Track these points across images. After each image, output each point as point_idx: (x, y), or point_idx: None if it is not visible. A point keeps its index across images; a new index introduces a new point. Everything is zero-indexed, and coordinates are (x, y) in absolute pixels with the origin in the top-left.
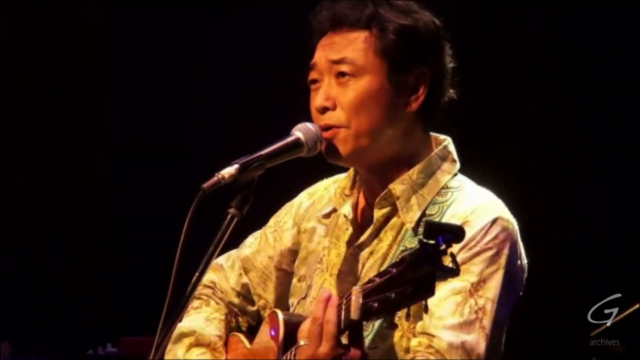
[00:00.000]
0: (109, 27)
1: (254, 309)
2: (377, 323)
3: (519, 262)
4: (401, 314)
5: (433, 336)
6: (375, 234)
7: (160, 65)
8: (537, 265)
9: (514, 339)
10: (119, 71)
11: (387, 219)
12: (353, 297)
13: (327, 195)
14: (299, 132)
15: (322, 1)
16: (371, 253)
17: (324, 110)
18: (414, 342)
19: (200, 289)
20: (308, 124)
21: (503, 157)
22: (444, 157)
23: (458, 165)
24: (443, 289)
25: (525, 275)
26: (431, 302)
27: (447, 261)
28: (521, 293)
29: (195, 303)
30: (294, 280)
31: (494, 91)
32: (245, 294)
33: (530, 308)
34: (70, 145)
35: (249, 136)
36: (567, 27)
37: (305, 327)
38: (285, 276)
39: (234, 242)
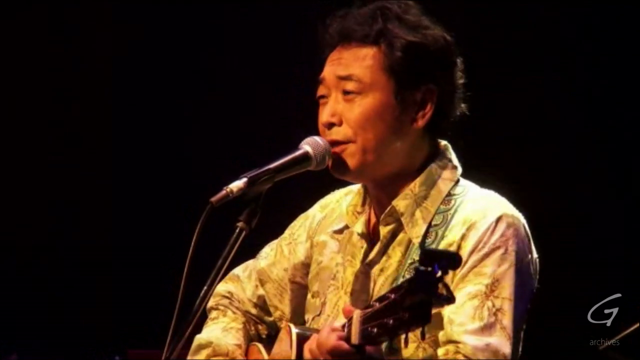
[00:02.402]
0: (110, 30)
1: (271, 319)
2: None
3: (529, 255)
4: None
5: (458, 342)
6: (384, 251)
7: (164, 72)
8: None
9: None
10: (123, 76)
11: (393, 234)
12: (353, 322)
13: (339, 209)
14: (307, 145)
15: (332, 15)
16: (382, 270)
17: (330, 125)
18: (440, 351)
19: (217, 300)
20: (317, 138)
21: (504, 157)
22: (444, 165)
23: (459, 170)
24: (459, 295)
25: (538, 268)
26: (449, 309)
27: (444, 289)
28: (536, 287)
29: (213, 314)
30: (309, 295)
31: (497, 95)
32: (262, 305)
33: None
34: (72, 150)
35: (257, 147)
36: (570, 26)
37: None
38: (299, 289)
39: (243, 255)
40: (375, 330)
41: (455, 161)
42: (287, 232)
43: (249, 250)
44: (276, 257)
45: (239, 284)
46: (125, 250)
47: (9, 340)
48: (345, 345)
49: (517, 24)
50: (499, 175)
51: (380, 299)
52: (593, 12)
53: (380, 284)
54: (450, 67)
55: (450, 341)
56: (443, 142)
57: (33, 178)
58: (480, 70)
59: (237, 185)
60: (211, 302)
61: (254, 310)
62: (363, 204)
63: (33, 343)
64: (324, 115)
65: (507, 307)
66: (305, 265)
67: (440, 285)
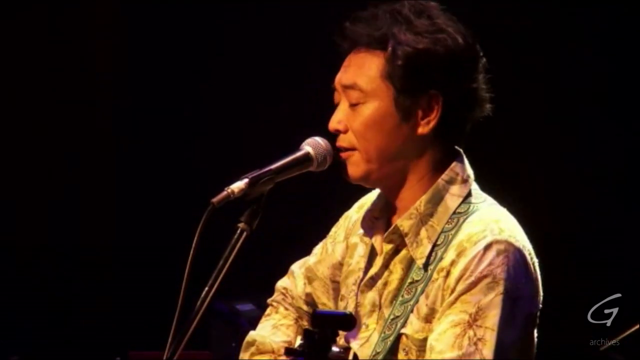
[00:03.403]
0: (110, 30)
1: None
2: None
3: (523, 280)
4: (407, 348)
5: None
6: (386, 265)
7: (166, 72)
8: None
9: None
10: (124, 76)
11: (396, 250)
12: None
13: None
14: (308, 146)
15: (347, 18)
16: (385, 284)
17: (337, 132)
18: None
19: (275, 296)
20: (318, 139)
21: (504, 158)
22: (452, 180)
23: (470, 182)
24: (444, 322)
25: (539, 289)
26: (433, 336)
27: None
28: (539, 307)
29: (268, 310)
30: (339, 298)
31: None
32: (311, 302)
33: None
34: (73, 150)
35: (258, 147)
36: (590, 34)
37: None
38: (339, 288)
39: (244, 255)
40: None
41: (466, 174)
42: (332, 230)
43: (253, 251)
44: (322, 255)
45: (293, 279)
46: (126, 251)
47: (10, 342)
48: None
49: (528, 23)
50: (499, 175)
51: (293, 353)
52: (604, 14)
53: (385, 298)
54: (460, 72)
55: None
56: (457, 152)
57: (33, 178)
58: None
59: (238, 185)
60: (271, 298)
61: (305, 307)
62: (381, 210)
63: (33, 344)
64: (331, 121)
65: (489, 337)
66: (342, 266)
67: (331, 347)
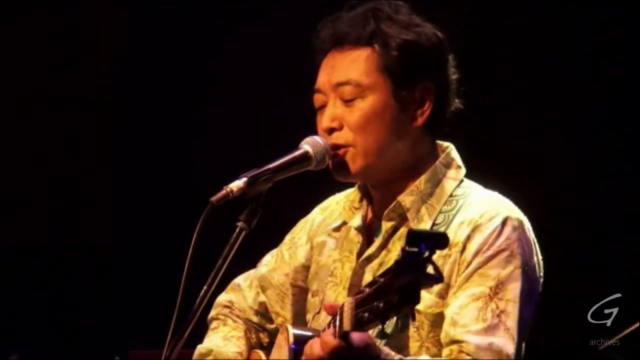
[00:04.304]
0: (110, 30)
1: (272, 326)
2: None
3: (534, 258)
4: (418, 323)
5: (461, 342)
6: (384, 245)
7: (165, 71)
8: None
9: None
10: (124, 76)
11: (395, 229)
12: (345, 308)
13: (338, 209)
14: (307, 145)
15: (323, 19)
16: (380, 264)
17: (331, 130)
18: (445, 352)
19: (218, 310)
20: (316, 138)
21: (504, 156)
22: (448, 164)
23: (463, 170)
24: (462, 296)
25: (542, 271)
26: (452, 311)
27: (431, 269)
28: (540, 289)
29: (213, 324)
30: (309, 296)
31: (497, 93)
32: (263, 312)
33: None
34: (72, 150)
35: (258, 146)
36: (582, 28)
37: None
38: (300, 293)
39: (242, 255)
40: (366, 315)
41: (459, 161)
42: (287, 237)
43: (249, 251)
44: (277, 263)
45: (240, 292)
46: (126, 250)
47: (10, 341)
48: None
49: (520, 20)
50: (499, 174)
51: (371, 284)
52: (596, 9)
53: None
54: (444, 64)
55: (453, 341)
56: (446, 143)
57: (33, 178)
58: (479, 68)
59: (237, 184)
60: (212, 313)
61: (255, 318)
62: (361, 200)
63: (33, 343)
64: (324, 120)
65: (512, 309)
66: (306, 268)
67: (428, 265)
